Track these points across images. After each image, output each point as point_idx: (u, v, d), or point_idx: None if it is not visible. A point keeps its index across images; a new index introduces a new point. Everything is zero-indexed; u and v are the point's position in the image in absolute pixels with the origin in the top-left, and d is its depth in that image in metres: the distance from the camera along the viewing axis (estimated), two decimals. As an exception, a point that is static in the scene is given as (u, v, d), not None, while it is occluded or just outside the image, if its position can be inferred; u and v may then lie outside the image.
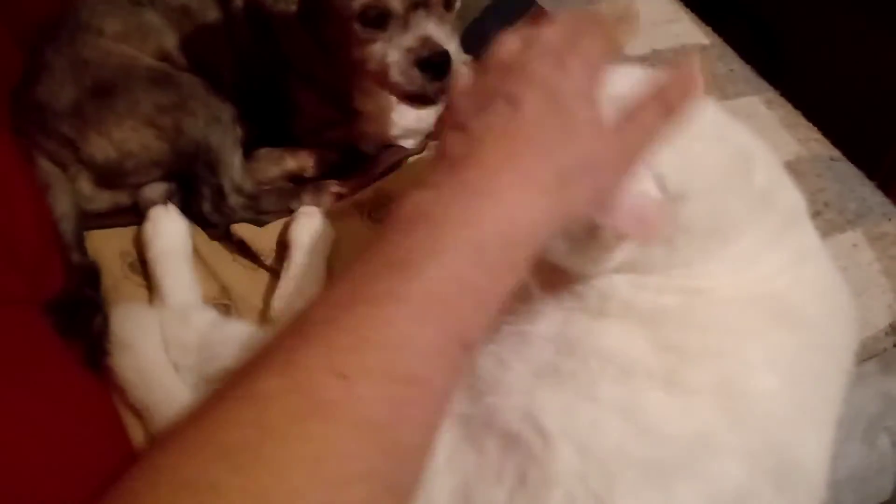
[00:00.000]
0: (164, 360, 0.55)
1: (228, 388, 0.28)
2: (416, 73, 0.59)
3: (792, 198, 0.49)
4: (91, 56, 0.66)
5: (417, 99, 0.62)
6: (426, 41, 0.58)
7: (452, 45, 0.60)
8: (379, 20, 0.59)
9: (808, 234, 0.49)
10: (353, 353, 0.28)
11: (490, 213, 0.32)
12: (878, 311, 0.65)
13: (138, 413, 0.54)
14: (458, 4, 0.62)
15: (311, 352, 0.28)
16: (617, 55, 0.38)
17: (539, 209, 0.33)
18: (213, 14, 0.70)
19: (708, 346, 0.40)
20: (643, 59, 0.85)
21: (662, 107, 0.37)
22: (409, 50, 0.59)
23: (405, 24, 0.59)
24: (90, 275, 0.62)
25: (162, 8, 0.69)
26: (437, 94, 0.61)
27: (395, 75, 0.59)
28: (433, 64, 0.59)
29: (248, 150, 0.71)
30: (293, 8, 0.64)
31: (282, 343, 0.30)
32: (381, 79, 0.61)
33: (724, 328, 0.41)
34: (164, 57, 0.69)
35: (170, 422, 0.30)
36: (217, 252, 0.67)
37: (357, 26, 0.59)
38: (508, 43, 0.37)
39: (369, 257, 0.31)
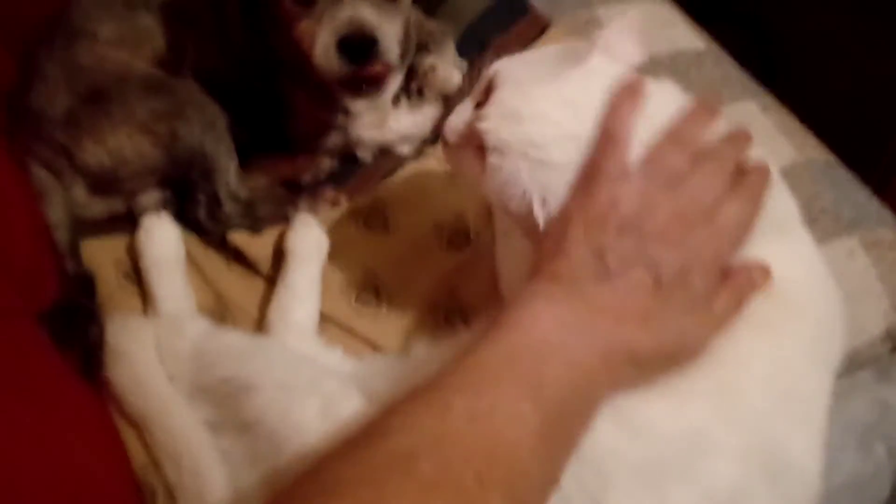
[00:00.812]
0: (159, 371, 0.54)
1: None
2: (335, 54, 0.57)
3: (784, 205, 0.49)
4: (85, 62, 0.66)
5: (345, 86, 0.60)
6: (352, 22, 0.57)
7: (387, 33, 0.58)
8: None
9: (801, 240, 0.49)
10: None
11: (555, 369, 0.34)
12: (873, 318, 0.65)
13: (135, 424, 0.54)
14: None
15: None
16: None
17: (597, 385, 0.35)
18: (207, 16, 0.69)
19: None
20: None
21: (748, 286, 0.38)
22: (333, 30, 0.57)
23: (335, 4, 0.57)
24: (85, 284, 0.61)
25: (156, 11, 0.69)
26: (367, 84, 0.59)
27: (318, 56, 0.58)
28: (353, 46, 0.57)
29: (244, 156, 0.71)
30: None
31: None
32: (311, 62, 0.59)
33: None
34: (160, 62, 0.69)
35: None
36: (212, 260, 0.67)
37: (287, 2, 0.58)
38: (671, 157, 0.38)
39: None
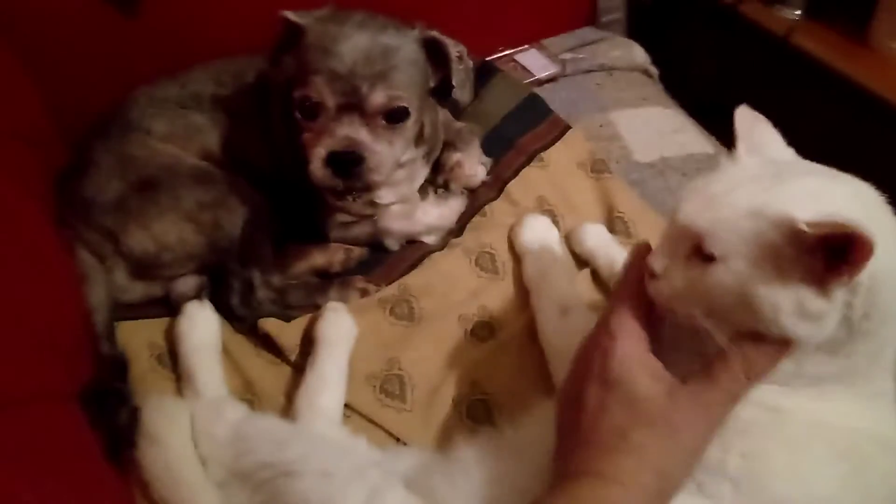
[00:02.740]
0: (192, 457, 0.55)
1: None
2: (323, 167, 0.62)
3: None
4: (138, 153, 0.70)
5: (330, 193, 0.65)
6: (344, 140, 0.62)
7: (378, 153, 0.63)
8: (312, 112, 0.63)
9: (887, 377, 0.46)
10: None
11: None
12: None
13: (160, 512, 0.54)
14: (410, 123, 0.66)
15: None
16: None
17: None
18: (254, 116, 0.75)
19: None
20: (651, 166, 0.89)
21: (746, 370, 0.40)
22: (327, 145, 0.62)
23: (336, 122, 0.62)
24: (119, 366, 0.63)
25: (208, 110, 0.74)
26: (351, 193, 0.64)
27: (312, 164, 0.63)
28: (340, 161, 0.62)
29: (279, 244, 0.74)
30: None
31: None
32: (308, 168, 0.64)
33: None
34: (207, 155, 0.73)
35: None
36: (241, 346, 0.68)
37: (297, 113, 0.64)
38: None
39: None
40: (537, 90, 0.95)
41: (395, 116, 0.64)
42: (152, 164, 0.69)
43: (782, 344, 0.40)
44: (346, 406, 0.63)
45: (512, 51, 1.04)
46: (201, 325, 0.65)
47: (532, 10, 1.08)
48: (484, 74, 0.93)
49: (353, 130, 0.62)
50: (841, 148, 1.07)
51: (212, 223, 0.68)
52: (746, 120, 0.49)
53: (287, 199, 0.74)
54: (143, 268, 0.69)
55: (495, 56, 1.03)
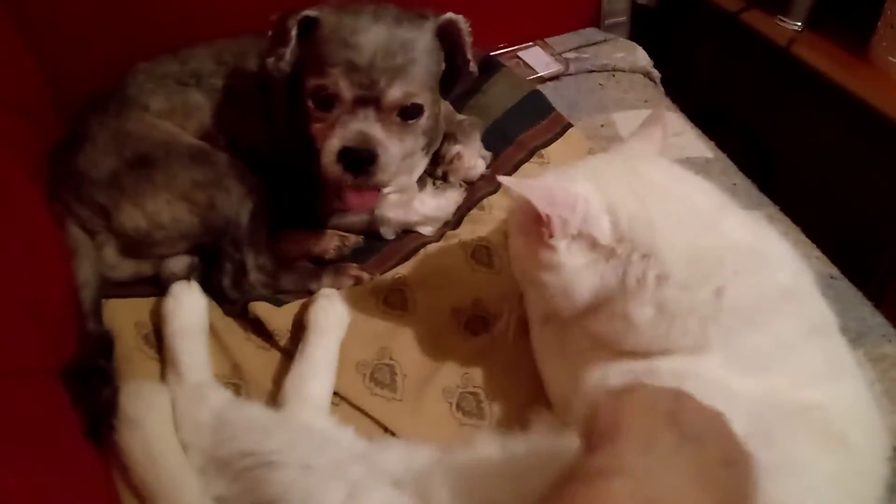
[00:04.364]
0: (173, 441, 0.54)
1: None
2: (336, 161, 0.61)
3: (820, 309, 0.51)
4: (134, 129, 0.69)
5: (337, 186, 0.64)
6: (359, 135, 0.61)
7: (390, 151, 0.62)
8: (326, 102, 0.62)
9: (841, 348, 0.51)
10: None
11: None
12: (880, 433, 0.66)
13: (139, 494, 0.53)
14: (423, 120, 0.65)
15: None
16: None
17: None
18: (254, 97, 0.74)
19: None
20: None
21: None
22: (341, 138, 0.61)
23: (351, 114, 0.62)
24: (104, 344, 0.61)
25: (207, 89, 0.73)
26: (359, 187, 0.63)
27: (324, 157, 0.62)
28: (353, 158, 0.61)
29: (274, 229, 0.73)
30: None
31: None
32: (319, 159, 0.63)
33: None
34: (205, 134, 0.72)
35: None
36: (231, 329, 0.67)
37: (310, 103, 0.63)
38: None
39: None
40: (540, 87, 0.95)
41: (409, 113, 0.63)
42: (148, 141, 0.68)
43: None
44: (335, 394, 0.62)
45: (516, 47, 1.04)
46: (188, 305, 0.64)
47: (537, 10, 1.08)
48: (488, 69, 0.92)
49: (367, 125, 0.61)
50: (839, 158, 1.08)
51: (206, 203, 0.67)
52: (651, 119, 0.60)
53: (284, 182, 0.73)
54: (134, 246, 0.68)
55: (499, 52, 1.03)
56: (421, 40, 0.63)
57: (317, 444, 0.51)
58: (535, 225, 0.51)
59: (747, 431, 0.38)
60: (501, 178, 0.51)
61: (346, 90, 0.61)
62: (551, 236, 0.50)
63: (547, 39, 1.07)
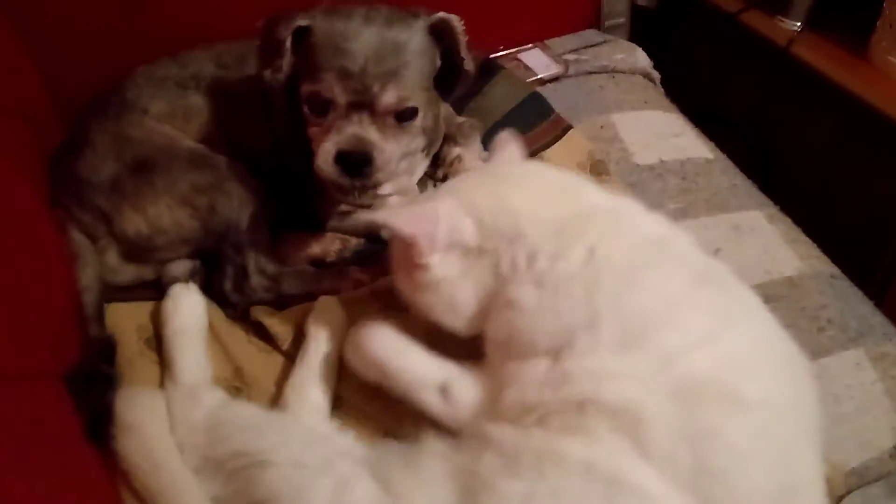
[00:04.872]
0: (169, 443, 0.54)
1: None
2: (333, 164, 0.62)
3: (702, 258, 0.52)
4: (134, 133, 0.69)
5: (336, 189, 0.65)
6: (354, 138, 0.62)
7: (386, 152, 0.62)
8: (322, 107, 0.63)
9: (732, 293, 0.51)
10: None
11: None
12: (882, 433, 0.66)
13: (142, 499, 0.53)
14: (418, 121, 0.65)
15: None
16: None
17: None
18: (254, 100, 0.74)
19: None
20: (650, 168, 0.89)
21: None
22: (336, 142, 0.62)
23: (346, 118, 0.62)
24: (106, 349, 0.62)
25: (207, 92, 0.73)
26: (357, 190, 0.64)
27: (319, 161, 0.63)
28: (350, 161, 0.62)
29: (275, 232, 0.73)
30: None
31: None
32: (314, 162, 0.64)
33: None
34: (205, 138, 0.72)
35: None
36: (233, 333, 0.67)
37: (306, 108, 0.64)
38: None
39: None
40: (540, 89, 0.95)
41: (404, 116, 0.64)
42: (148, 145, 0.68)
43: None
44: (337, 399, 0.62)
45: (516, 49, 1.04)
46: (186, 307, 0.64)
47: (536, 12, 1.08)
48: (488, 71, 0.93)
49: (362, 129, 0.62)
50: (839, 158, 1.08)
51: (207, 207, 0.67)
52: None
53: (284, 186, 0.74)
54: (135, 250, 0.68)
55: (499, 54, 1.03)
56: (413, 41, 0.63)
57: (308, 441, 0.52)
58: (407, 252, 0.54)
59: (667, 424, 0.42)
60: (369, 216, 0.55)
61: (340, 96, 0.61)
62: (422, 255, 0.53)
63: (547, 41, 1.07)
